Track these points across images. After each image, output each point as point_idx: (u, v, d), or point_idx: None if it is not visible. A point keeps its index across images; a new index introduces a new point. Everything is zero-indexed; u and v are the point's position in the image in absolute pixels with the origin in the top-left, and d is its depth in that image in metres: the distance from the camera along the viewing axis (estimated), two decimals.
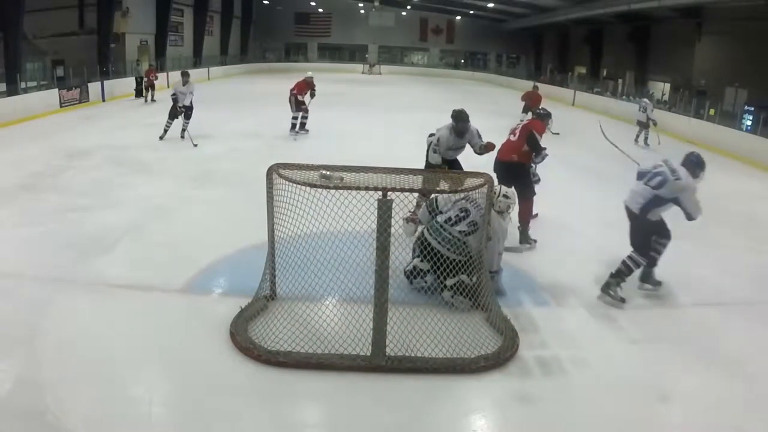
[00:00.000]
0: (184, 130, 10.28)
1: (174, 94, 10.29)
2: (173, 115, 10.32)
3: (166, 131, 10.37)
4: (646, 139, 12.33)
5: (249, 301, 3.95)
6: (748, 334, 4.11)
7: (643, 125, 12.33)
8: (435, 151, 5.70)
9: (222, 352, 3.48)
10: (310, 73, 11.59)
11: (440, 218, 4.35)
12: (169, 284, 4.38)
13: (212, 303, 4.19)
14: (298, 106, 11.19)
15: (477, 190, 3.77)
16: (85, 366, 3.28)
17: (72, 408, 2.92)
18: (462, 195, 4.29)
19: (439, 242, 4.25)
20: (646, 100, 13.11)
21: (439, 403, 3.15)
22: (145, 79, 16.82)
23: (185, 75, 10.52)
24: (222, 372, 3.32)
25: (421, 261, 4.32)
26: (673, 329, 4.11)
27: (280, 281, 4.03)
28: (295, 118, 11.31)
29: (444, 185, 4.13)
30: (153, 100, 16.56)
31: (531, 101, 13.45)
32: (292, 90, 11.17)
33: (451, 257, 4.16)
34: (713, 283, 4.97)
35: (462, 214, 4.28)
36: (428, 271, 4.25)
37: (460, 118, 5.64)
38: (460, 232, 4.23)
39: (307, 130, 11.45)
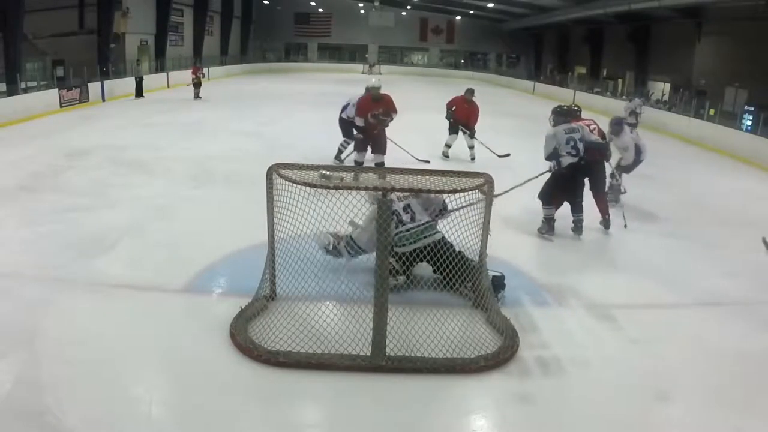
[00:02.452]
0: (341, 152, 8.65)
1: (347, 107, 8.22)
2: (349, 132, 8.11)
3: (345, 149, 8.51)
4: None
5: (249, 301, 3.94)
6: (748, 334, 4.10)
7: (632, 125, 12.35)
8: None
9: (222, 352, 3.48)
10: (374, 80, 7.95)
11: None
12: (169, 284, 4.38)
13: (212, 303, 4.19)
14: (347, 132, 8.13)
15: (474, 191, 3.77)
16: (85, 366, 3.28)
17: (72, 408, 2.92)
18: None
19: (413, 242, 4.23)
20: (637, 99, 12.87)
21: (439, 403, 3.15)
22: (193, 77, 17.12)
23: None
24: (222, 372, 3.32)
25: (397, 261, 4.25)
26: (673, 329, 4.11)
27: (280, 281, 4.03)
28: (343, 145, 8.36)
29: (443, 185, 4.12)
30: (199, 97, 16.65)
31: (468, 117, 9.60)
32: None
33: (430, 240, 4.18)
34: (713, 283, 4.97)
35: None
36: (397, 272, 4.20)
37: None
38: (408, 216, 4.29)
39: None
